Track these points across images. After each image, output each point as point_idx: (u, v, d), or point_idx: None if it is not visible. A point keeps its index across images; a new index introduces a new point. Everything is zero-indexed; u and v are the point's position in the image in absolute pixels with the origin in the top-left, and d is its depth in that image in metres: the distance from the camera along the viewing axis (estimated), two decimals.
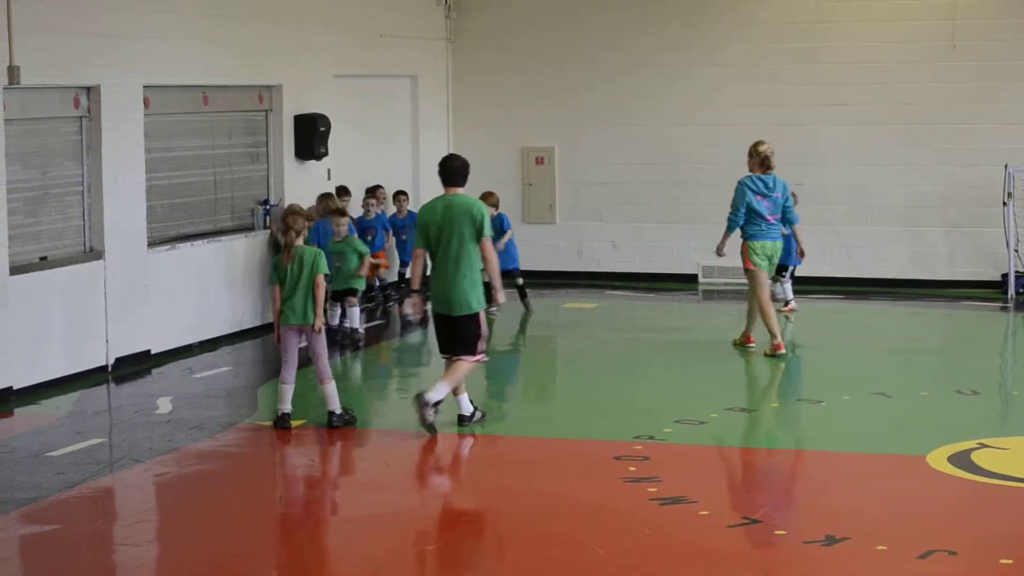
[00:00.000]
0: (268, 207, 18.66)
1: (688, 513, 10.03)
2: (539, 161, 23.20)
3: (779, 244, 16.31)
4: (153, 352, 16.24)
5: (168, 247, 16.88)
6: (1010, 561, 8.76)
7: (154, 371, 15.80)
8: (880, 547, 9.09)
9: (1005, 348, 18.42)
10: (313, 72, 19.44)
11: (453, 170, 12.90)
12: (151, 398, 14.28)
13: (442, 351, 12.77)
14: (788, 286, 19.24)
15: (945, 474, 10.94)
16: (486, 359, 12.91)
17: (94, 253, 15.60)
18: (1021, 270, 21.20)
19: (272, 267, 13.36)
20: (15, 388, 14.27)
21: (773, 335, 16.02)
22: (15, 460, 11.89)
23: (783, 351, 15.98)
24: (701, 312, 20.23)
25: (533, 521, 10.05)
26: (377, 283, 20.40)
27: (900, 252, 21.81)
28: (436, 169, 13.02)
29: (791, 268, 19.10)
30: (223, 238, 17.85)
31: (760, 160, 16.34)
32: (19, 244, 14.64)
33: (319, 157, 19.20)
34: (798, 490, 11.25)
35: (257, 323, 18.09)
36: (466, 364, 12.58)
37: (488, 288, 13.10)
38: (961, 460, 11.28)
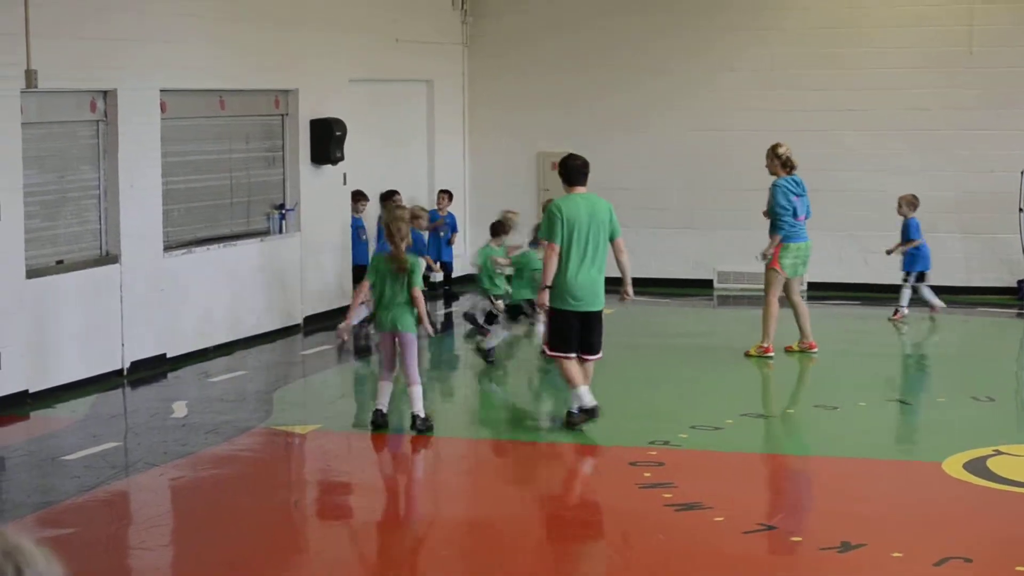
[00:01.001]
0: (284, 211, 18.68)
1: (703, 519, 10.01)
2: (555, 166, 23.18)
3: (809, 244, 16.31)
4: (169, 356, 16.26)
5: (184, 251, 16.89)
6: None
7: (169, 375, 15.81)
8: (896, 554, 9.07)
9: (1021, 354, 18.39)
10: (329, 76, 19.45)
11: (575, 168, 12.92)
12: (166, 402, 14.29)
13: (576, 351, 12.66)
14: (928, 292, 19.24)
15: (961, 481, 10.91)
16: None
17: (110, 257, 15.62)
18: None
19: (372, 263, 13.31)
20: (31, 391, 14.29)
21: (765, 336, 16.05)
22: (31, 464, 11.91)
23: (771, 354, 16.00)
24: (717, 318, 20.22)
25: (548, 527, 10.04)
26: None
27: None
28: (558, 168, 13.21)
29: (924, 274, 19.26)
30: (239, 242, 17.87)
31: (783, 161, 16.31)
32: (36, 247, 14.67)
33: (335, 162, 19.21)
34: (814, 496, 11.23)
35: (274, 327, 18.12)
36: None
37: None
38: (977, 467, 11.24)
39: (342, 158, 19.29)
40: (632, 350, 17.38)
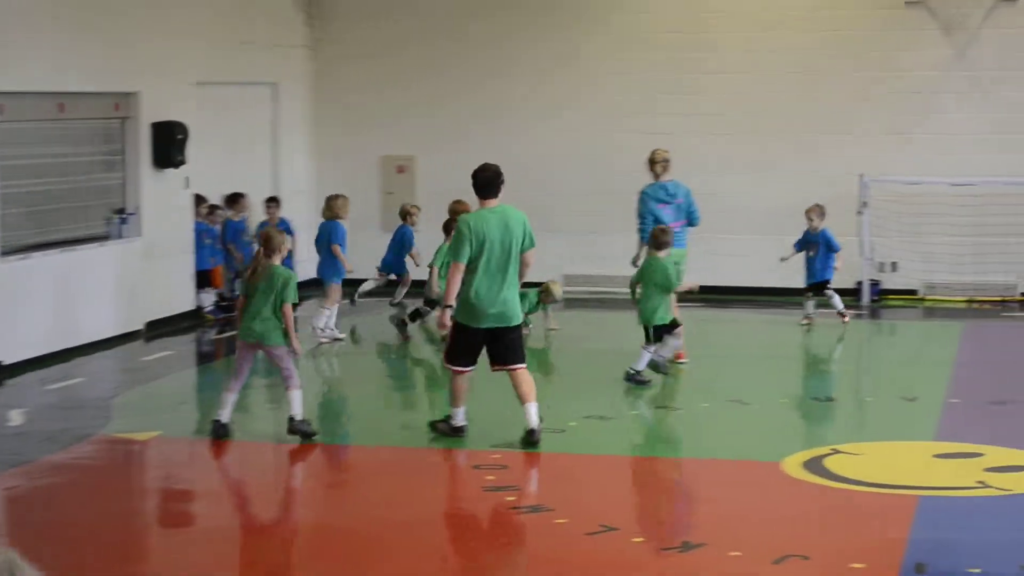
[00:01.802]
0: (125, 216, 18.41)
1: (546, 521, 10.03)
2: (400, 170, 23.15)
3: (681, 252, 16.30)
4: (6, 363, 15.93)
5: (22, 256, 16.58)
6: (862, 565, 8.86)
7: (7, 382, 15.50)
8: (735, 553, 9.16)
9: (860, 355, 18.71)
10: (172, 79, 19.21)
11: (484, 180, 12.53)
12: (2, 410, 14.00)
13: (466, 365, 12.27)
14: (836, 299, 19.32)
15: (800, 480, 11.06)
16: None
17: None
18: (875, 278, 21.56)
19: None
20: None
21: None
22: None
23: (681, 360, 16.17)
24: (564, 320, 20.27)
25: (391, 531, 9.98)
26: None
27: (762, 260, 22.03)
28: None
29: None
30: (79, 247, 17.59)
31: (651, 167, 16.38)
32: None
33: (177, 165, 18.98)
34: (656, 497, 11.31)
35: (115, 333, 17.85)
36: (526, 371, 12.36)
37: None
38: (815, 466, 11.41)
39: (184, 162, 19.06)
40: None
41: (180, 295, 19.44)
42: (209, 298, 19.91)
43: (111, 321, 17.90)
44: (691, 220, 16.40)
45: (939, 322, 20.53)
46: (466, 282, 12.11)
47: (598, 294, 20.85)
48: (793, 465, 11.42)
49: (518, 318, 12.26)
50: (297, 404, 12.42)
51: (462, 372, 12.28)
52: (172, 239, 19.25)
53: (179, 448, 12.60)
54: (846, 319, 19.17)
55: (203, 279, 19.86)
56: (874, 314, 20.96)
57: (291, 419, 12.43)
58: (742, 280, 22.06)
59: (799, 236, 19.66)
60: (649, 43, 22.60)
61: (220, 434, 12.42)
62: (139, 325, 18.46)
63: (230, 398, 12.50)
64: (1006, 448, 12.01)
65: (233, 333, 19.18)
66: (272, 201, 21.10)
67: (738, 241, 22.18)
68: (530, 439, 12.00)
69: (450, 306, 12.20)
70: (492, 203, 12.37)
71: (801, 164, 22.18)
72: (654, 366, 14.93)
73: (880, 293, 21.62)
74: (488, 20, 22.98)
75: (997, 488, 10.72)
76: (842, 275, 21.04)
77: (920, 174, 21.59)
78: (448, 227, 16.97)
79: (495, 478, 11.09)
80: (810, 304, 19.29)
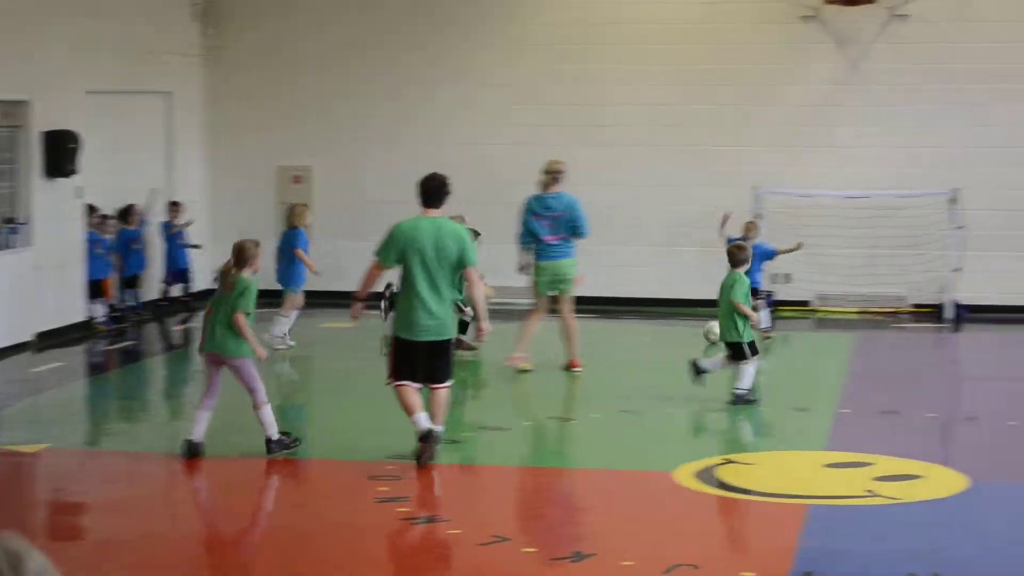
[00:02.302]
0: (15, 225, 18.18)
1: (439, 532, 10.03)
2: (296, 180, 23.05)
3: (562, 264, 16.33)
4: None
5: None
6: (752, 574, 8.93)
7: None
8: (626, 562, 9.19)
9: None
10: (64, 88, 19.00)
11: (428, 190, 12.27)
12: None
13: (405, 378, 11.96)
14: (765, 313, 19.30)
15: (691, 490, 11.12)
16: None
17: None
18: (769, 289, 21.75)
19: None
20: None
21: (520, 344, 16.26)
22: None
23: (517, 365, 16.19)
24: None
25: (281, 542, 9.93)
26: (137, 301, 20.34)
27: (658, 272, 22.17)
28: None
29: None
30: None
31: (544, 177, 16.43)
32: None
33: (68, 174, 18.76)
34: (548, 507, 11.32)
35: (4, 344, 17.63)
36: (447, 392, 12.07)
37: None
38: (707, 476, 11.48)
39: (75, 171, 18.85)
40: (373, 364, 17.31)
41: (71, 306, 19.21)
42: (101, 309, 19.70)
43: (0, 332, 17.66)
44: (574, 232, 16.40)
45: (831, 333, 20.76)
46: (402, 294, 12.03)
47: (505, 305, 20.87)
48: (685, 475, 11.49)
49: (449, 333, 12.07)
50: (269, 423, 12.09)
51: (402, 386, 11.91)
52: (63, 249, 19.02)
53: (68, 461, 12.43)
54: (769, 335, 19.17)
55: (95, 289, 19.65)
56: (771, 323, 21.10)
57: (268, 441, 12.09)
58: (637, 291, 22.18)
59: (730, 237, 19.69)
60: (544, 53, 22.68)
61: (192, 453, 12.03)
62: (29, 336, 18.22)
63: (203, 416, 12.11)
64: (895, 457, 12.15)
65: (126, 344, 19.10)
66: (175, 205, 21.13)
67: (632, 253, 22.30)
68: (420, 458, 11.85)
69: (362, 300, 12.17)
70: (433, 213, 12.16)
71: (695, 176, 22.34)
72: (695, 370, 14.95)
73: (773, 304, 21.80)
74: (384, 31, 22.95)
75: (885, 497, 10.84)
76: None
77: (813, 187, 21.84)
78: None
79: (389, 489, 11.06)
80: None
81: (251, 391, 12.10)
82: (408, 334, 11.88)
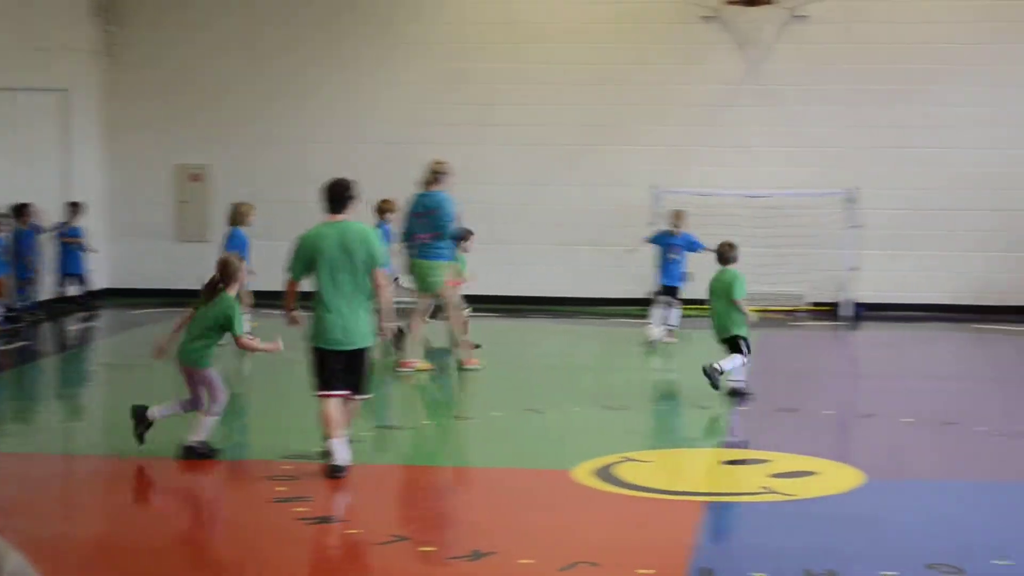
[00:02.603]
0: None
1: (336, 531, 9.96)
2: (194, 178, 22.86)
3: (430, 263, 16.34)
4: None
5: None
6: (650, 571, 8.94)
7: None
8: (524, 561, 9.17)
9: (652, 363, 18.91)
10: None
11: (331, 194, 11.90)
12: None
13: (331, 388, 11.71)
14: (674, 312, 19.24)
15: (589, 488, 11.13)
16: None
17: None
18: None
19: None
20: None
21: (405, 351, 16.24)
22: None
23: (410, 369, 16.17)
24: None
25: (175, 544, 9.82)
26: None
27: (556, 271, 22.24)
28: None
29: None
30: None
31: (425, 176, 16.43)
32: None
33: None
34: (447, 506, 11.28)
35: None
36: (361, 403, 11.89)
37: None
38: (605, 474, 11.50)
39: None
40: (270, 364, 17.21)
41: None
42: None
43: None
44: (440, 231, 16.36)
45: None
46: (315, 301, 11.82)
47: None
48: (583, 473, 11.50)
49: (365, 340, 11.80)
50: (203, 431, 11.93)
51: (326, 396, 11.68)
52: None
53: None
54: (672, 338, 19.24)
55: None
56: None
57: (188, 446, 11.92)
58: (535, 290, 22.22)
59: (654, 233, 19.73)
60: (443, 53, 22.68)
61: (190, 455, 11.91)
62: None
63: (208, 422, 12.01)
64: (791, 454, 12.24)
65: (21, 344, 18.83)
66: (74, 205, 20.90)
67: (531, 251, 22.34)
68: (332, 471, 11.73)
69: (290, 311, 11.92)
70: (336, 218, 11.84)
71: (596, 175, 22.42)
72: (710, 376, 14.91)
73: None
74: (281, 29, 22.84)
75: (782, 494, 10.91)
76: (636, 287, 21.35)
77: (713, 186, 21.97)
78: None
79: (286, 489, 10.97)
80: (659, 312, 19.24)
81: (213, 400, 12.00)
82: (322, 343, 11.68)
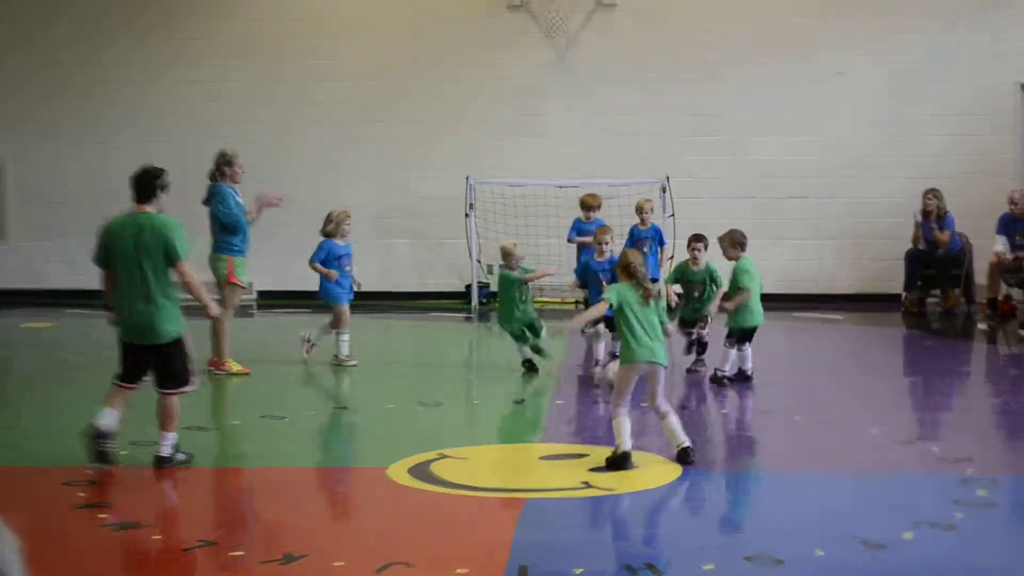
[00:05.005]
0: None
1: (142, 538, 9.69)
2: None
3: (212, 256, 16.26)
4: None
5: None
6: (466, 570, 8.84)
7: None
8: (338, 563, 9.02)
9: (469, 358, 18.87)
10: None
11: (134, 183, 11.57)
12: None
13: (128, 380, 11.60)
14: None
15: (405, 486, 11.01)
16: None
17: None
18: (484, 281, 21.81)
19: None
20: None
21: (223, 354, 15.99)
22: None
23: (223, 372, 15.95)
24: None
25: None
26: None
27: (370, 265, 22.07)
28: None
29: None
30: None
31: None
32: None
33: None
34: (258, 509, 11.06)
35: None
36: (174, 400, 11.59)
37: None
38: (421, 471, 11.38)
39: None
40: (76, 366, 16.85)
41: None
42: None
43: None
44: (218, 223, 16.28)
45: (549, 323, 20.87)
46: (116, 294, 11.58)
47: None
48: (399, 471, 11.37)
49: (163, 336, 11.48)
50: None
51: (118, 387, 11.64)
52: None
53: None
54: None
55: None
56: (483, 318, 21.18)
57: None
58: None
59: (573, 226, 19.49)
60: (258, 47, 22.41)
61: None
62: None
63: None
64: (610, 448, 12.24)
65: None
66: None
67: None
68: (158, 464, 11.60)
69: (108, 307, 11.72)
70: (141, 208, 11.59)
71: (408, 167, 22.31)
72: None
73: (489, 296, 21.88)
74: (82, 22, 22.38)
75: (601, 488, 10.90)
76: (450, 279, 21.29)
77: (525, 176, 21.98)
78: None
79: (87, 495, 10.68)
80: None
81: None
82: (123, 335, 11.58)
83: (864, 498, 10.67)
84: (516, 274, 16.03)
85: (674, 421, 11.69)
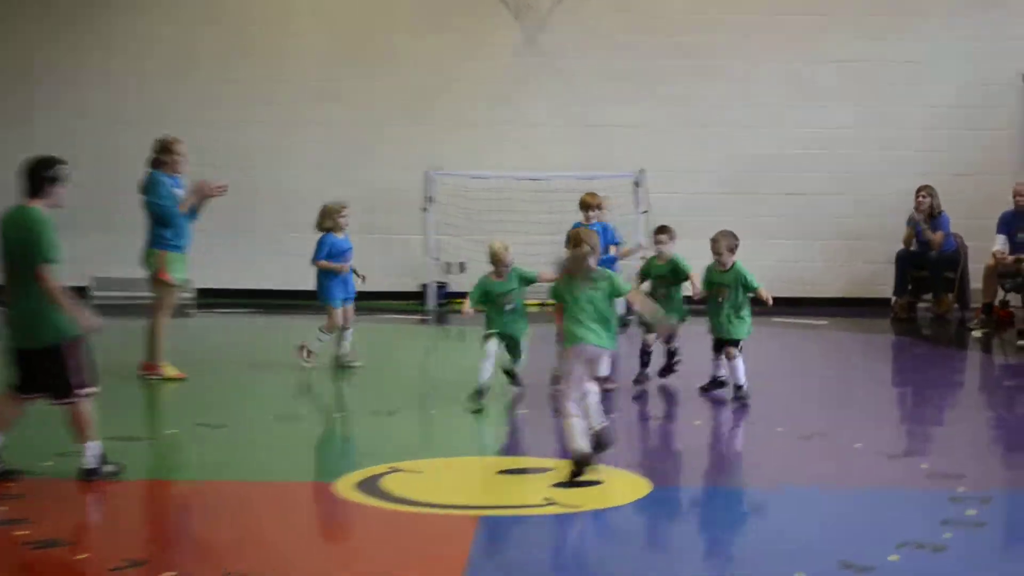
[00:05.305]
0: None
1: (64, 558, 9.61)
2: None
3: (145, 251, 16.22)
4: None
5: None
6: None
7: None
8: None
9: (426, 363, 18.80)
10: None
11: (28, 174, 11.36)
12: None
13: (17, 388, 11.45)
14: None
15: (352, 502, 10.96)
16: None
17: None
18: (442, 280, 21.74)
19: None
20: None
21: (157, 357, 15.93)
22: None
23: (157, 376, 15.89)
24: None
25: None
26: None
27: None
28: None
29: None
30: None
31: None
32: None
33: None
34: (193, 525, 10.99)
35: None
36: (73, 407, 11.44)
37: None
38: (370, 486, 11.33)
39: None
40: None
41: None
42: None
43: None
44: (151, 214, 16.21)
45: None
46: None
47: (131, 299, 20.38)
48: (346, 486, 11.31)
49: (40, 341, 11.30)
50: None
51: (10, 396, 11.51)
52: None
53: None
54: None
55: None
56: (441, 319, 21.12)
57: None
58: (294, 283, 21.95)
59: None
60: (204, 32, 22.38)
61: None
62: None
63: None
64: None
65: None
66: None
67: (293, 240, 22.08)
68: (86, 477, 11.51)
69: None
70: (24, 202, 11.43)
71: (365, 158, 22.25)
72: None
73: (447, 296, 21.81)
74: (12, 19, 22.42)
75: (565, 505, 10.86)
76: (405, 278, 21.22)
77: (488, 167, 21.94)
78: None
79: (7, 509, 10.60)
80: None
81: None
82: (8, 340, 11.46)
83: (848, 517, 10.65)
84: (503, 282, 15.51)
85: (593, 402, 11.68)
